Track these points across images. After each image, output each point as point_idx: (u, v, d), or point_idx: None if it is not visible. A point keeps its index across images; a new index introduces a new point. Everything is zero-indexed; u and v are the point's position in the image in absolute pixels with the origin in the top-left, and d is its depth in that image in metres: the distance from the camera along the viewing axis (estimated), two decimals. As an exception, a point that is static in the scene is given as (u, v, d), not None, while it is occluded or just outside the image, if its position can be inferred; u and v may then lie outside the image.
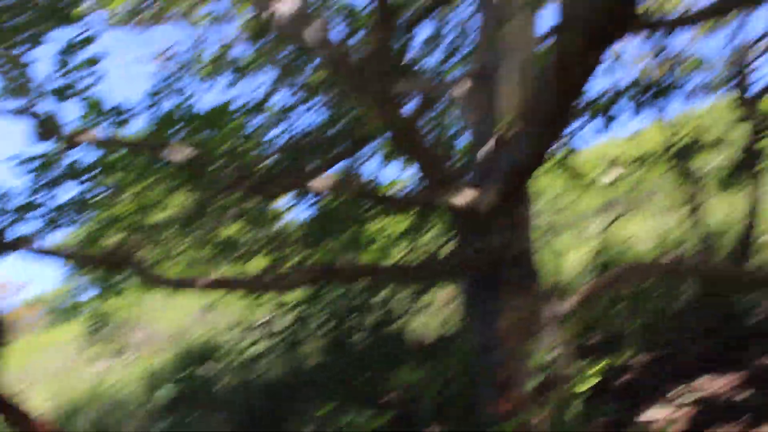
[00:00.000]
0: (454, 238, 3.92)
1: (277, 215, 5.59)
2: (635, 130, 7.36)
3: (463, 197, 3.62)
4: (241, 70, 5.70)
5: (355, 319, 5.53)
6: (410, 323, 5.88)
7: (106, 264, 3.51)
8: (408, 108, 4.75)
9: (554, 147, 4.68)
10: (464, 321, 3.73)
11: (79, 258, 4.30)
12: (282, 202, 5.65)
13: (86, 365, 9.36)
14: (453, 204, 3.59)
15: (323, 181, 3.48)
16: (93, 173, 4.86)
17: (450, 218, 3.99)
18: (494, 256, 3.60)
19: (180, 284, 3.05)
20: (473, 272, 3.71)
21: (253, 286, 3.16)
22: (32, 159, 4.81)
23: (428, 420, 3.21)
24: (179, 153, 3.85)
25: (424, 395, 3.26)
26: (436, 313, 6.18)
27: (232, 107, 4.67)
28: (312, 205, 5.20)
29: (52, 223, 4.72)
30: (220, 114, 4.37)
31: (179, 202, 5.61)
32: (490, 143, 3.71)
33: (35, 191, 4.74)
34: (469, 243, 3.73)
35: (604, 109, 5.44)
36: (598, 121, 5.66)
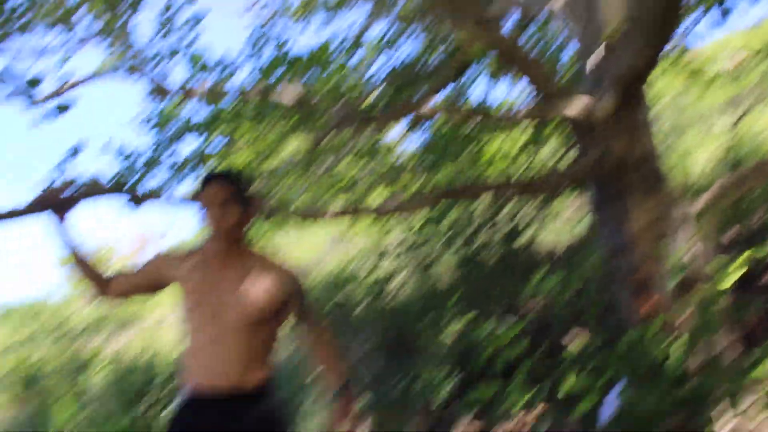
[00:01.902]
0: (573, 148, 3.85)
1: (390, 148, 5.66)
2: (756, 21, 6.77)
3: (578, 107, 3.53)
4: (333, 8, 5.71)
5: (482, 236, 5.57)
6: (538, 236, 5.86)
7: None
8: (508, 25, 4.64)
9: (668, 47, 4.40)
10: (593, 228, 3.68)
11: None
12: (394, 134, 5.71)
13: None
14: (568, 114, 3.52)
15: (433, 107, 3.49)
16: (207, 126, 5.11)
17: (566, 130, 3.91)
18: (616, 161, 3.52)
19: (312, 215, 3.17)
20: (597, 180, 3.65)
21: (381, 211, 3.25)
22: (151, 119, 5.12)
23: (564, 326, 3.24)
24: (288, 94, 3.95)
25: (558, 302, 3.27)
26: (562, 224, 6.13)
27: (331, 46, 4.72)
28: (423, 132, 5.21)
29: (177, 176, 5.03)
30: (321, 54, 4.43)
31: (293, 146, 5.77)
32: (599, 50, 3.58)
33: (157, 148, 5.05)
34: (590, 151, 3.65)
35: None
36: (715, 14, 5.29)
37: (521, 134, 5.25)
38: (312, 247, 9.69)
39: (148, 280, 2.51)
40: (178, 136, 5.01)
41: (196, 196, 2.45)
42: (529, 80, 3.73)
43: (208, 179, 2.46)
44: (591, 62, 3.75)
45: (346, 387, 2.50)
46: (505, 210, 5.60)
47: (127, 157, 4.75)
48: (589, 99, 3.56)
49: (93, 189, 2.68)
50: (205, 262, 2.46)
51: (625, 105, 3.51)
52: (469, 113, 3.50)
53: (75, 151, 3.09)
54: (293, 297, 2.52)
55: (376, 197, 5.64)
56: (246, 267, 2.47)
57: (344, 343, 5.48)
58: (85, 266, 2.52)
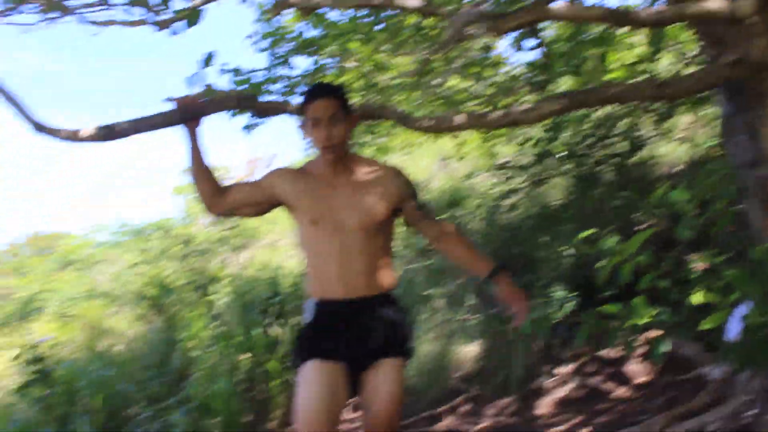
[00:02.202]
0: (706, 52, 3.60)
1: (503, 61, 5.52)
2: None
3: (713, 6, 3.26)
4: None
5: (598, 152, 5.41)
6: (658, 150, 5.62)
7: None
8: None
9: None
10: (723, 138, 3.47)
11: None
12: (506, 47, 5.55)
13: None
14: (707, 12, 3.26)
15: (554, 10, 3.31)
16: (320, 42, 5.13)
17: (698, 33, 3.65)
18: (755, 65, 3.26)
19: (435, 126, 3.15)
20: (730, 87, 3.41)
21: (498, 123, 3.19)
22: (266, 36, 5.18)
23: (689, 242, 3.11)
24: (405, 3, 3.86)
25: (683, 216, 3.13)
26: (682, 139, 5.85)
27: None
28: (534, 48, 5.02)
29: (291, 94, 5.10)
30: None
31: (404, 62, 5.73)
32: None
33: (273, 66, 5.11)
34: (722, 56, 3.39)
35: None
36: None
37: (640, 45, 4.97)
38: (420, 169, 9.74)
39: (261, 195, 2.60)
40: (291, 54, 5.07)
41: (301, 111, 2.51)
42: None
43: (314, 93, 2.50)
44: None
45: (500, 266, 2.55)
46: (622, 124, 5.38)
47: (245, 78, 4.88)
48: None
49: (220, 102, 2.78)
50: (317, 178, 2.53)
51: (769, 3, 3.22)
52: (593, 16, 3.30)
53: (209, 59, 3.19)
54: (407, 195, 2.57)
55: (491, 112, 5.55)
56: (357, 176, 2.54)
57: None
58: (205, 174, 2.63)
